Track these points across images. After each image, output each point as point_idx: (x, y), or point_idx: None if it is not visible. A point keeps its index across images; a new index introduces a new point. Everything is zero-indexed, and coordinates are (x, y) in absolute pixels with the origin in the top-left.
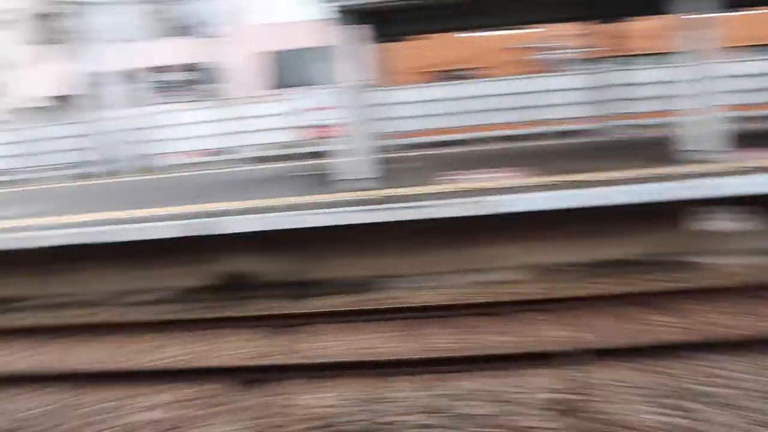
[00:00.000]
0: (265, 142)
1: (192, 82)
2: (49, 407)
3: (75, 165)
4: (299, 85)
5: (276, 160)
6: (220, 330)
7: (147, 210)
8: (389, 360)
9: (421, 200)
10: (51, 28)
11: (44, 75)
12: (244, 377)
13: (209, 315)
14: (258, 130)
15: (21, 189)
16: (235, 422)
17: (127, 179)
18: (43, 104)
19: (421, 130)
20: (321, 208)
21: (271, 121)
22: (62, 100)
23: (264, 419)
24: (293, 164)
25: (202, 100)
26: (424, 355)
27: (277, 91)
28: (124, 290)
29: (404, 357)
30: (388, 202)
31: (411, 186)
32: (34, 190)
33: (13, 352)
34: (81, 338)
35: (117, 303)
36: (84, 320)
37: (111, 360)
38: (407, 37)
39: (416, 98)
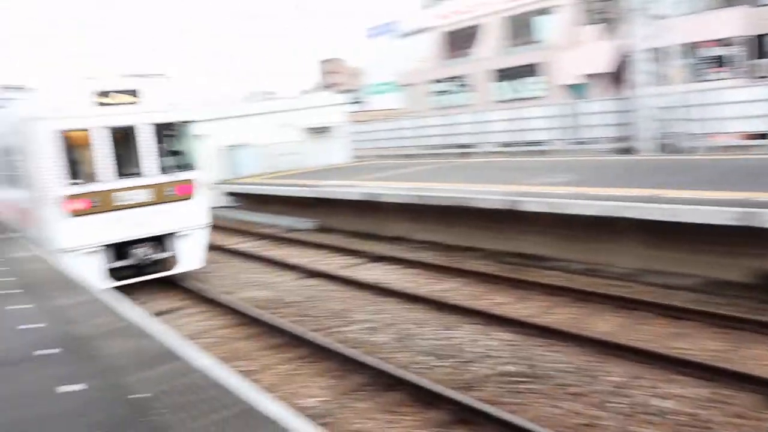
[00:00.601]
0: None
1: (738, 57)
2: (580, 366)
3: (609, 140)
4: None
5: None
6: (746, 333)
7: (682, 191)
8: None
9: None
10: (596, 9)
11: (585, 54)
12: None
13: (737, 314)
14: None
15: (556, 159)
16: None
17: (661, 157)
18: (581, 81)
19: None
20: None
21: None
22: (600, 77)
23: None
24: None
25: (749, 77)
26: None
27: None
28: (645, 269)
29: None
30: None
31: None
32: (568, 161)
33: (534, 305)
34: (596, 306)
35: (633, 280)
36: (601, 290)
37: (621, 334)
38: None
39: None
